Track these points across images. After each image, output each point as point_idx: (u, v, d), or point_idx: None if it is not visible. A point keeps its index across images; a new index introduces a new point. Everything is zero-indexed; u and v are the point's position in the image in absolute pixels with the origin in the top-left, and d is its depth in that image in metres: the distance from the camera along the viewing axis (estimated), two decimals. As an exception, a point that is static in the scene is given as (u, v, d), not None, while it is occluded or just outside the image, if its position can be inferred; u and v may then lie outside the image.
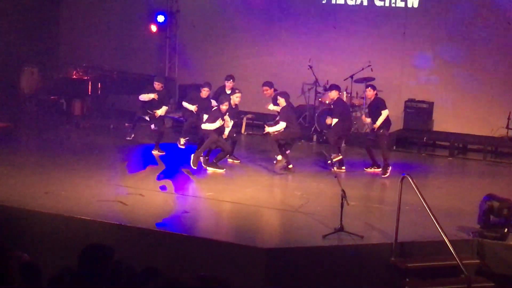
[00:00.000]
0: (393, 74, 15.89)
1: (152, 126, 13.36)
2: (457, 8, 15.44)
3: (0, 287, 5.16)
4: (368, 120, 12.81)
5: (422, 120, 15.53)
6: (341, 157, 12.65)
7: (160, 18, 17.28)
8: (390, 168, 12.27)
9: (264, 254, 8.36)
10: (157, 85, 13.31)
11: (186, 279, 4.31)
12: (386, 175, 12.23)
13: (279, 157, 12.17)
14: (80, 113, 16.91)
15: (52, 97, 17.00)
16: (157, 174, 11.94)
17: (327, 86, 15.25)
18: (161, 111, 13.30)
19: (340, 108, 12.77)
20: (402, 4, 15.89)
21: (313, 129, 15.53)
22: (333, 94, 12.84)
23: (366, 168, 12.77)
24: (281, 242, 8.90)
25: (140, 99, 13.33)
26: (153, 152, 13.25)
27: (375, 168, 12.70)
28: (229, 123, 12.23)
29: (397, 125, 14.99)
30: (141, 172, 11.94)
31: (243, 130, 15.96)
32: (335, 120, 12.59)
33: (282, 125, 12.31)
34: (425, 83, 15.80)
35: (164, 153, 13.18)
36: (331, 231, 8.86)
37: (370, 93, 12.73)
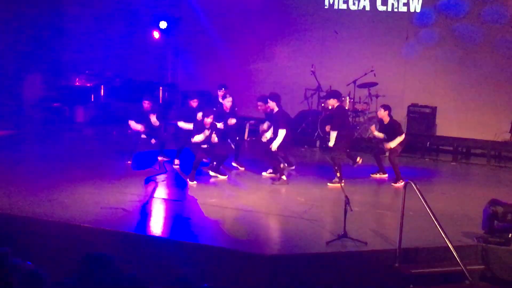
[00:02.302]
0: (396, 79, 15.88)
1: (152, 141, 13.19)
2: (459, 12, 15.43)
3: None
4: (378, 134, 12.54)
5: (425, 125, 15.51)
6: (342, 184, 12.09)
7: (163, 25, 17.28)
8: (402, 182, 11.53)
9: (267, 261, 8.34)
10: (147, 104, 13.04)
11: None
12: (396, 185, 12.03)
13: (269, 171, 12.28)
14: (82, 120, 16.94)
15: (55, 104, 17.03)
16: (160, 180, 11.93)
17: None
18: (154, 121, 13.05)
19: (340, 119, 12.24)
20: (404, 9, 15.89)
21: (316, 134, 15.52)
22: (332, 102, 12.42)
23: (372, 174, 12.73)
24: (285, 248, 8.85)
25: (131, 126, 12.97)
26: (158, 158, 13.25)
27: (381, 174, 12.64)
28: (215, 139, 12.04)
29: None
30: (144, 178, 11.91)
31: (245, 136, 15.95)
32: (333, 133, 12.04)
33: (283, 133, 11.83)
34: (428, 87, 15.77)
35: (169, 159, 13.16)
36: (335, 237, 8.84)
37: (380, 113, 12.37)
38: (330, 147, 12.24)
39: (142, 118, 12.99)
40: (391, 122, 12.38)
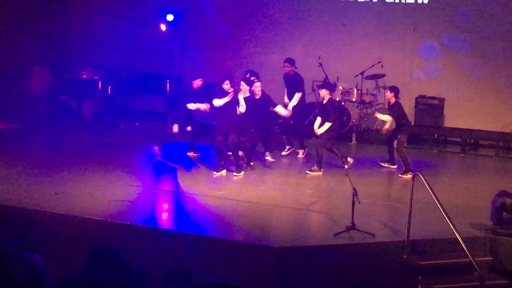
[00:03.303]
0: (403, 71, 15.80)
1: (188, 128, 12.93)
2: (467, 2, 15.33)
3: None
4: (381, 116, 12.61)
5: (433, 117, 15.43)
6: (320, 173, 12.00)
7: (170, 17, 17.22)
8: (410, 173, 11.16)
9: (275, 253, 8.33)
10: (198, 81, 12.83)
11: None
12: (404, 176, 11.95)
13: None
14: (90, 113, 16.92)
15: (62, 97, 17.00)
16: (168, 173, 11.93)
17: (337, 83, 15.27)
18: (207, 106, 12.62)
19: (334, 112, 12.25)
20: (412, 0, 15.80)
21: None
22: (323, 93, 12.23)
23: (382, 162, 12.72)
24: (292, 240, 8.85)
25: (192, 107, 12.56)
26: (188, 153, 13.01)
27: (390, 164, 12.61)
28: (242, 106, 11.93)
29: (408, 121, 14.91)
30: (151, 171, 11.92)
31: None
32: (328, 124, 11.98)
33: (298, 96, 12.72)
34: (435, 79, 15.70)
35: (199, 154, 13.01)
36: (343, 229, 8.83)
37: (387, 94, 12.49)
38: (316, 135, 12.19)
39: (196, 99, 12.59)
40: (396, 103, 12.36)
